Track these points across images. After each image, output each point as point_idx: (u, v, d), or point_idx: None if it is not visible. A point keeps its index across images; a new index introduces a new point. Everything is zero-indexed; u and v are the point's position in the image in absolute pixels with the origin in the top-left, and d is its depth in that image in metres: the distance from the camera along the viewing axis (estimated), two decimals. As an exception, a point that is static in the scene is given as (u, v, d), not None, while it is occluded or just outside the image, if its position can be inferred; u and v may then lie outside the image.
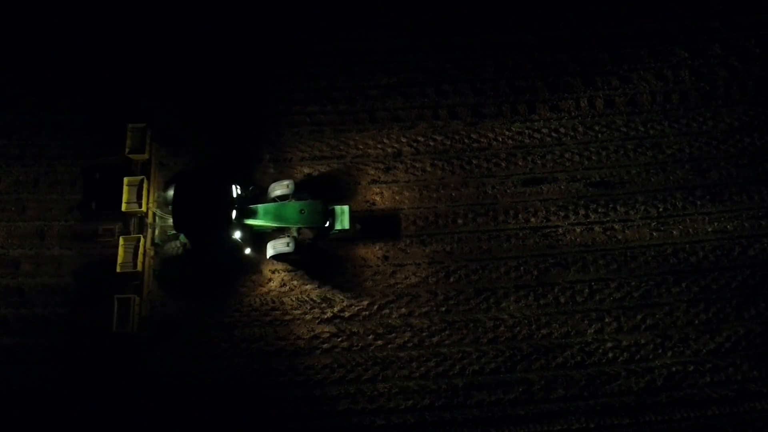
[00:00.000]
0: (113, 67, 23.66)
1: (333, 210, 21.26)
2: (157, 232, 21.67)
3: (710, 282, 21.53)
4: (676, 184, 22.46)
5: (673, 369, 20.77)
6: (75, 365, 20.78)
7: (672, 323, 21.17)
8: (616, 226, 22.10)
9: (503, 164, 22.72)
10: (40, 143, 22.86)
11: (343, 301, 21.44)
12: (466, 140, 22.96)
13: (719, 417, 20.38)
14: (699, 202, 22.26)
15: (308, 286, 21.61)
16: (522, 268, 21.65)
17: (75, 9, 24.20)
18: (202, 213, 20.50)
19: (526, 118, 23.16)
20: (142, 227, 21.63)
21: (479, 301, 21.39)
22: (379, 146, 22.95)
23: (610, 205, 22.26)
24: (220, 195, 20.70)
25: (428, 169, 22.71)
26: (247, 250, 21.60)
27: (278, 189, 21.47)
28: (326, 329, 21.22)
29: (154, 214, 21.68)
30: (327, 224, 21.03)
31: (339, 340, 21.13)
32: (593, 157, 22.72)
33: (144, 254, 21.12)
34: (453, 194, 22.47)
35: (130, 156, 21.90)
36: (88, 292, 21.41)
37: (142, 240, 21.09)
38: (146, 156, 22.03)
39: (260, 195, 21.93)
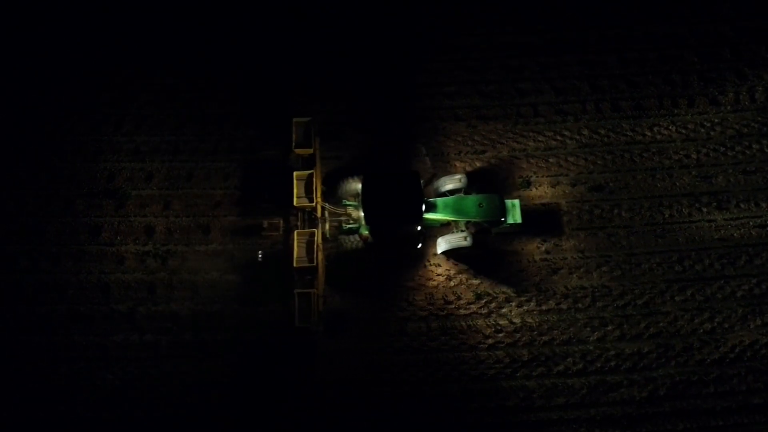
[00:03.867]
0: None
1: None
2: (327, 226, 21.59)
3: (715, 291, 21.25)
4: (682, 190, 22.22)
5: (677, 379, 20.47)
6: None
7: (676, 332, 20.89)
8: (620, 232, 21.85)
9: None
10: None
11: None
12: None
13: (723, 428, 20.08)
14: (705, 209, 21.98)
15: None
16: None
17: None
18: (393, 207, 20.54)
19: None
20: (311, 222, 21.55)
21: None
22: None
23: (615, 211, 22.05)
24: (411, 188, 20.64)
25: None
26: (419, 245, 21.68)
27: (449, 183, 21.54)
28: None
29: (323, 209, 21.53)
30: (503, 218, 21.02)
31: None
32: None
33: (318, 249, 20.97)
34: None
35: (296, 150, 21.83)
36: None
37: (317, 234, 20.95)
38: (311, 150, 21.87)
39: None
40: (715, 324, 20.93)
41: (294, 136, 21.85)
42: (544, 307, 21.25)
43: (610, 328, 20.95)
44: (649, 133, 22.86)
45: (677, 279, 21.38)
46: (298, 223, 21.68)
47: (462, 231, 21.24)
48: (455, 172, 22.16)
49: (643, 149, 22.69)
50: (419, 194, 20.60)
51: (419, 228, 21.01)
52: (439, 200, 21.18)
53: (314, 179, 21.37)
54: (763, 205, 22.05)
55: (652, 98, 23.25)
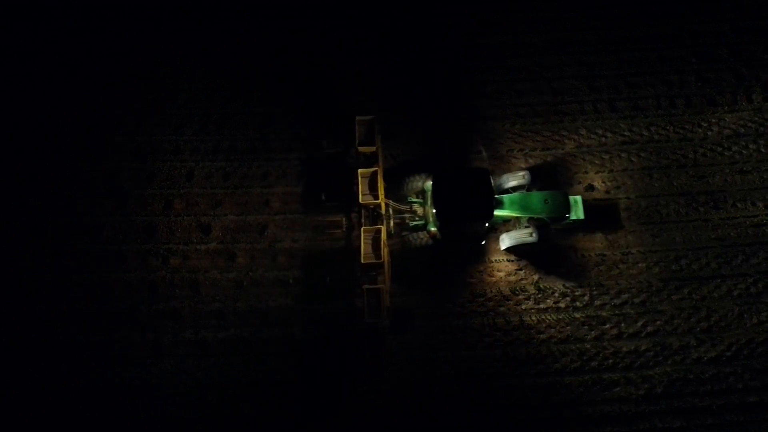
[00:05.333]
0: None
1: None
2: (392, 223, 21.75)
3: (712, 289, 21.32)
4: (679, 190, 22.30)
5: (674, 377, 20.54)
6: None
7: (673, 330, 20.96)
8: (618, 231, 21.96)
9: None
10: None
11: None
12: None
13: (719, 426, 20.11)
14: (702, 209, 22.06)
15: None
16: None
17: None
18: (465, 204, 20.66)
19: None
20: (375, 219, 21.70)
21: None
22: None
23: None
24: (482, 185, 20.79)
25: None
26: (483, 241, 21.85)
27: (512, 180, 21.67)
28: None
29: (387, 205, 21.66)
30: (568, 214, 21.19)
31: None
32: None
33: (383, 245, 21.04)
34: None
35: (359, 148, 21.96)
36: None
37: (383, 231, 21.06)
38: (374, 148, 22.00)
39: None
40: (712, 322, 20.99)
41: (357, 133, 21.98)
42: (597, 302, 21.39)
43: (607, 326, 21.08)
44: (646, 133, 22.96)
45: (674, 278, 21.52)
46: (362, 220, 21.79)
47: (527, 227, 21.41)
48: (517, 169, 22.31)
49: (640, 148, 22.83)
50: (490, 191, 20.73)
51: (487, 224, 21.16)
52: (505, 197, 21.30)
53: (378, 177, 21.46)
54: (760, 204, 22.14)
55: (649, 98, 23.39)
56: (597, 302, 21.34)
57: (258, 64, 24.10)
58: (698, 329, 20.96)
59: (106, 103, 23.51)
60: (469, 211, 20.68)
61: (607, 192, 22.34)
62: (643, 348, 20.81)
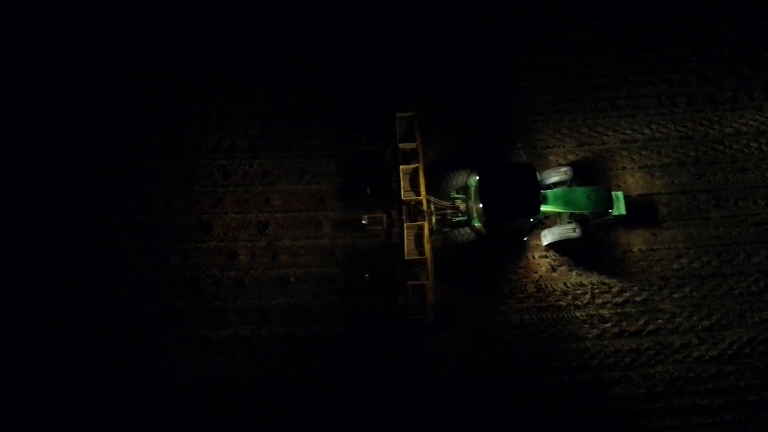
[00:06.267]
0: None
1: None
2: (434, 219, 21.65)
3: (714, 288, 21.31)
4: (680, 188, 22.31)
5: (675, 375, 20.53)
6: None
7: (674, 329, 20.95)
8: (618, 230, 21.95)
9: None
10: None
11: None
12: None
13: (720, 425, 20.11)
14: (703, 207, 22.06)
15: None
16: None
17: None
18: (512, 200, 20.58)
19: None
20: (416, 215, 21.55)
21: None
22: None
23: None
24: (528, 181, 20.71)
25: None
26: (526, 237, 21.88)
27: (555, 175, 21.57)
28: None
29: (428, 201, 21.58)
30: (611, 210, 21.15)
31: (610, 325, 21.07)
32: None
33: (426, 241, 21.03)
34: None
35: (400, 145, 21.91)
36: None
37: (426, 227, 21.01)
38: (414, 144, 21.93)
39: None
40: (714, 321, 20.98)
41: (398, 130, 21.96)
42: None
43: (608, 325, 21.05)
44: (647, 131, 22.97)
45: (675, 275, 21.52)
46: (404, 217, 21.67)
47: (569, 222, 21.34)
48: (559, 165, 22.22)
49: (641, 147, 22.81)
50: (537, 187, 20.67)
51: (532, 220, 21.14)
52: (549, 192, 21.24)
53: (419, 173, 21.41)
54: (761, 202, 22.13)
55: (651, 96, 23.41)
56: (598, 300, 21.35)
57: (258, 64, 24.04)
58: (700, 328, 20.95)
59: (106, 103, 23.45)
60: (516, 207, 20.61)
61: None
62: (644, 346, 20.79)
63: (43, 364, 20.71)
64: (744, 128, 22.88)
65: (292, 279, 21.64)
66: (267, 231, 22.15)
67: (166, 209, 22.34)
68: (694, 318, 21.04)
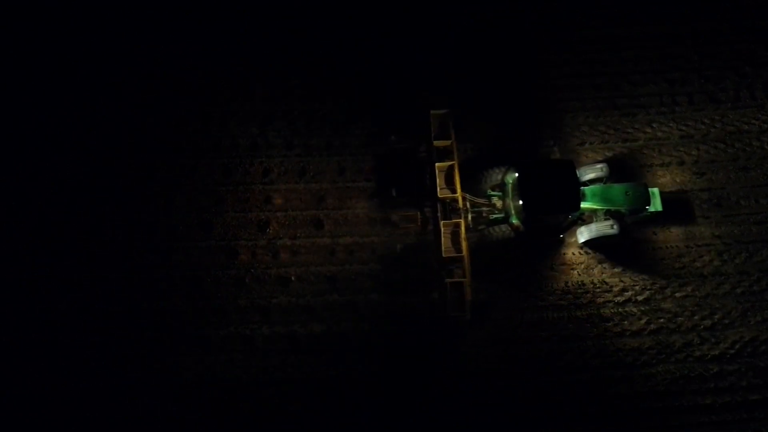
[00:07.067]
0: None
1: None
2: (469, 217, 21.58)
3: (715, 287, 21.28)
4: (681, 187, 22.28)
5: (676, 375, 20.50)
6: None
7: (676, 328, 20.92)
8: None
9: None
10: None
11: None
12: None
13: (722, 424, 20.09)
14: (705, 206, 22.03)
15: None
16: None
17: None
18: (552, 197, 20.43)
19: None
20: (449, 213, 21.50)
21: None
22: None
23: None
24: (568, 177, 20.60)
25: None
26: (562, 234, 21.84)
27: (591, 172, 21.46)
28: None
29: (464, 199, 21.48)
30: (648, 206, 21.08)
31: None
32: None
33: (463, 239, 20.93)
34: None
35: (435, 142, 21.85)
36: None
37: (462, 224, 20.95)
38: (449, 142, 21.82)
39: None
40: (715, 320, 20.96)
41: (432, 128, 21.91)
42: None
43: (610, 324, 20.99)
44: (649, 130, 22.96)
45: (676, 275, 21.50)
46: (439, 215, 21.60)
47: (607, 219, 21.23)
48: (596, 162, 22.12)
49: (642, 146, 22.79)
50: (577, 183, 20.57)
51: (570, 217, 21.08)
52: (587, 189, 21.14)
53: (455, 170, 21.33)
54: (763, 201, 22.10)
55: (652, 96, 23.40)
56: (599, 299, 21.32)
57: (258, 64, 23.99)
58: (701, 327, 20.92)
59: (106, 103, 23.41)
60: (555, 203, 20.48)
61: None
62: (645, 346, 20.76)
63: (43, 364, 20.64)
64: (746, 127, 22.85)
65: (292, 278, 21.61)
66: (267, 230, 22.12)
67: (166, 208, 22.29)
68: (696, 317, 21.01)
